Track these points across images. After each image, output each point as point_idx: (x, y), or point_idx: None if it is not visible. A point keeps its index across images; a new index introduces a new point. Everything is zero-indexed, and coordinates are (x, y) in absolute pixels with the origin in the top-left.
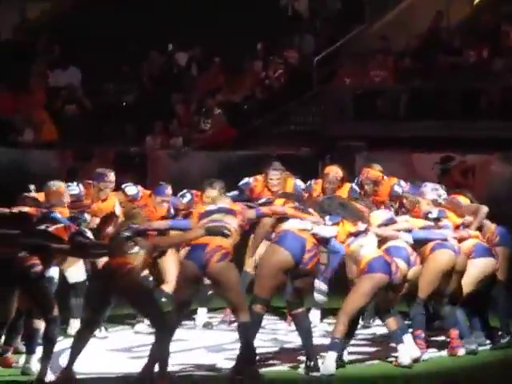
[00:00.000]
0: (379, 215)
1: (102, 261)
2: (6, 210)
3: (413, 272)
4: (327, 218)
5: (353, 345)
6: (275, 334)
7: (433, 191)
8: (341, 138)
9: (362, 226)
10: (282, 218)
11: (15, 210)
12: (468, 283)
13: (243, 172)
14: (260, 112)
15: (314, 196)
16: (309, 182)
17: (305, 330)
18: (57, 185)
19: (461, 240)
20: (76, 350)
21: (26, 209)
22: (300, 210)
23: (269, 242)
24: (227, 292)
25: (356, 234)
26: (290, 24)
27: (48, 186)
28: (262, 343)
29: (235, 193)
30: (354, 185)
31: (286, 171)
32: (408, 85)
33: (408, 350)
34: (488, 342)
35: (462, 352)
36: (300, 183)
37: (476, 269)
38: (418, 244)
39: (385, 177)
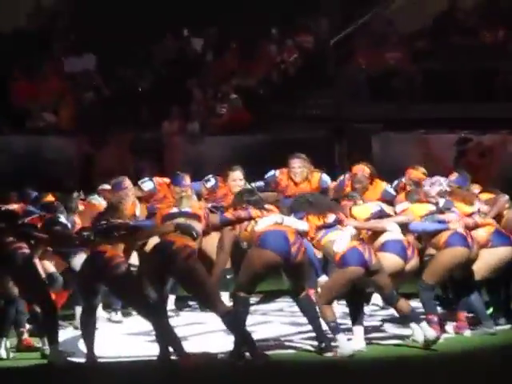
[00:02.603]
0: (366, 208)
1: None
2: None
3: (410, 266)
4: (292, 215)
5: (370, 326)
6: (293, 316)
7: (433, 185)
8: (357, 120)
9: (330, 218)
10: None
11: (3, 207)
12: (484, 271)
13: (259, 156)
14: (276, 96)
15: (346, 191)
16: (342, 177)
17: (310, 313)
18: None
19: (471, 228)
20: (87, 335)
21: (12, 206)
22: (264, 210)
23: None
24: (195, 288)
25: (325, 227)
26: (304, 7)
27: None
28: (280, 326)
29: (261, 184)
30: (388, 187)
31: (311, 165)
32: (424, 66)
33: (422, 331)
34: (508, 323)
35: (467, 333)
36: (326, 178)
37: (493, 258)
38: (424, 235)
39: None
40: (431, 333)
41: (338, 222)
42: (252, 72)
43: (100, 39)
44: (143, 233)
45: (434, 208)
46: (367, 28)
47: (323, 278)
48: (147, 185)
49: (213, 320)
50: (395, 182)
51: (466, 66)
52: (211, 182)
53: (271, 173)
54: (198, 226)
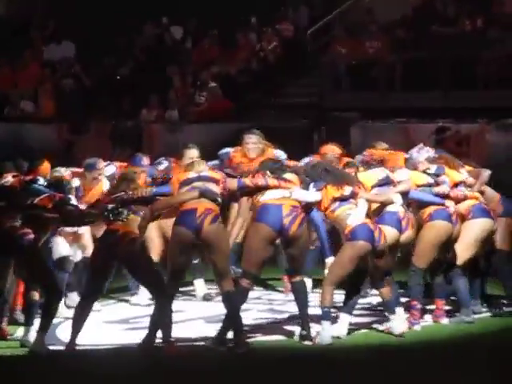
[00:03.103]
0: (373, 175)
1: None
2: None
3: (405, 237)
4: (311, 185)
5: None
6: (271, 304)
7: (420, 152)
8: (336, 109)
9: (347, 190)
10: (261, 190)
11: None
12: (465, 246)
13: (238, 145)
14: (255, 84)
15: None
16: (307, 159)
17: (301, 299)
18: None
19: (457, 201)
20: (77, 323)
21: (8, 180)
22: (282, 180)
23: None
24: (218, 255)
25: (341, 199)
26: None
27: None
28: (259, 313)
29: (215, 162)
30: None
31: (266, 141)
32: (403, 55)
33: (399, 321)
34: (484, 309)
35: (445, 321)
36: (280, 153)
37: (473, 230)
38: (417, 203)
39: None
40: (400, 327)
41: (353, 194)
42: (231, 60)
43: (79, 27)
44: (162, 202)
45: (431, 180)
46: (346, 17)
47: (331, 259)
48: (109, 169)
49: (192, 308)
50: (358, 157)
51: (445, 54)
52: (163, 164)
53: (225, 150)
54: (217, 190)
